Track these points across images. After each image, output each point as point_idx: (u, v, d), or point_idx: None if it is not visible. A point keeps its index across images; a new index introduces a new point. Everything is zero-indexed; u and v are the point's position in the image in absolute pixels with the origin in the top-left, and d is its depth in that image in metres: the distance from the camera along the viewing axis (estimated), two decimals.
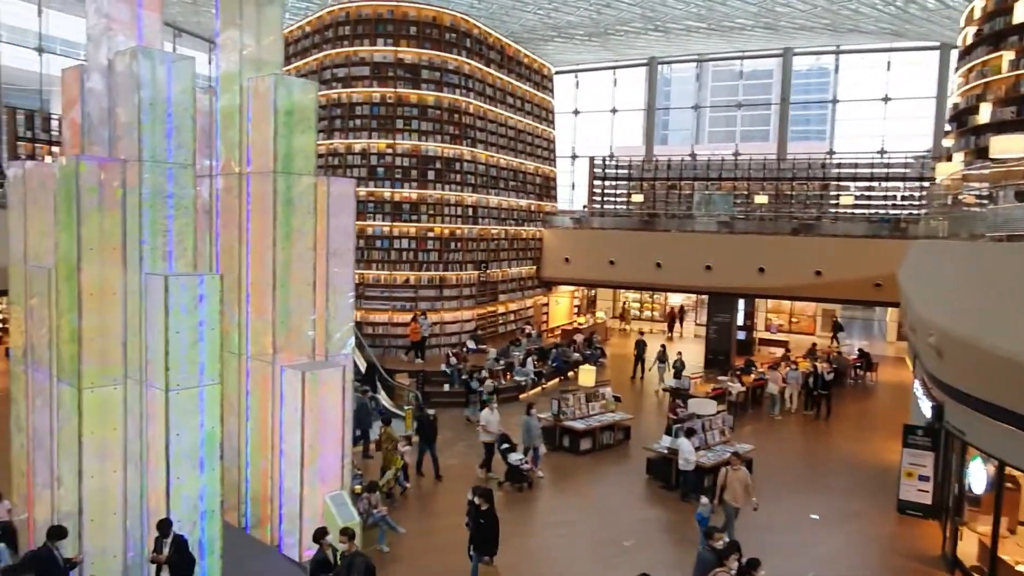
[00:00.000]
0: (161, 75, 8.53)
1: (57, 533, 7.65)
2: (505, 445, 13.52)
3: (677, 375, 20.29)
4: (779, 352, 25.39)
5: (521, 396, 19.41)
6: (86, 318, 8.22)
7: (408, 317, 21.39)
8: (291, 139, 9.83)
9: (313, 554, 8.47)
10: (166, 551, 7.57)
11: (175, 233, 8.82)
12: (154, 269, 8.56)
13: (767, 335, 29.88)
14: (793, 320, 31.56)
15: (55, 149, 22.24)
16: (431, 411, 14.06)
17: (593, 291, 34.37)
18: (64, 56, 26.52)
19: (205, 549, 8.44)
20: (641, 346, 22.96)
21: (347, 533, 8.23)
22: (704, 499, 10.41)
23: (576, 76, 36.74)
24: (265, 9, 10.41)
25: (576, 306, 33.19)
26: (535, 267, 28.03)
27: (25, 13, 25.97)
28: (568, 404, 15.99)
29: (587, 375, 19.04)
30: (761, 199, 27.90)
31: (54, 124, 23.52)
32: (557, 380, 22.05)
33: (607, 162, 31.76)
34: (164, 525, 7.65)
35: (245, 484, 10.26)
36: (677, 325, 32.58)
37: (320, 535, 8.38)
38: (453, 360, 19.54)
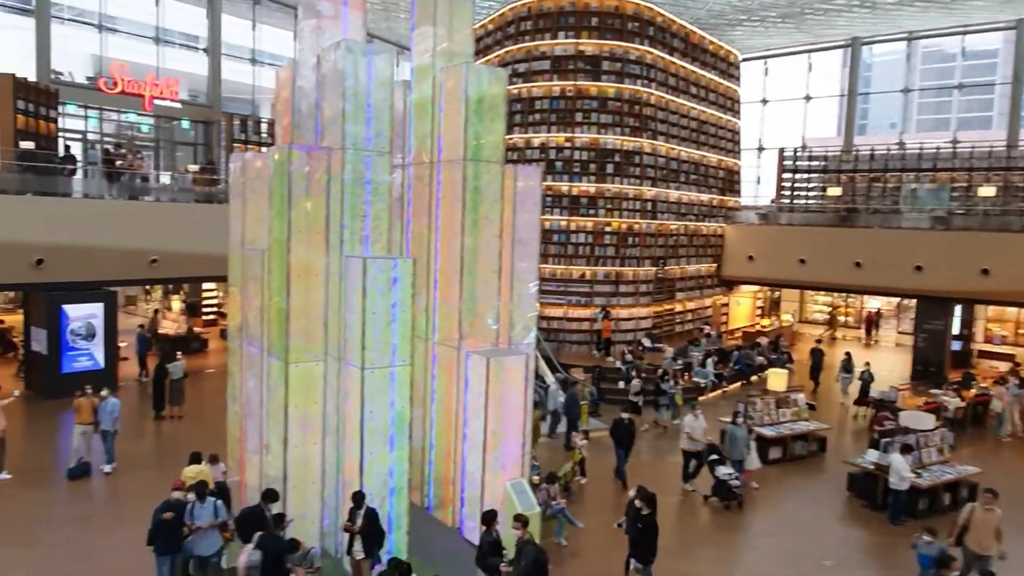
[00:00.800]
0: (363, 68, 8.91)
1: (270, 496, 8.21)
2: (714, 456, 12.45)
3: (865, 389, 18.23)
4: (1004, 366, 22.13)
5: (700, 398, 18.47)
6: (293, 297, 8.76)
7: (584, 312, 21.18)
8: (481, 127, 9.90)
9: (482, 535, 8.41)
10: (359, 522, 7.85)
11: (372, 218, 9.18)
12: (352, 252, 8.96)
13: (988, 347, 26.19)
14: (1020, 331, 27.42)
15: (263, 150, 24.55)
16: (625, 415, 13.23)
17: (776, 292, 32.13)
18: (272, 66, 29.25)
19: (392, 524, 8.70)
20: (818, 355, 20.92)
21: (521, 520, 8.08)
22: (927, 536, 9.00)
23: (765, 63, 34.51)
24: (457, 5, 10.59)
25: (759, 308, 31.20)
26: (715, 265, 26.65)
27: (241, 31, 28.98)
28: (756, 408, 14.88)
29: (777, 379, 17.68)
30: (987, 191, 24.46)
31: (263, 127, 26.02)
32: (738, 384, 20.76)
33: (798, 153, 29.48)
34: (358, 497, 7.93)
35: (429, 466, 10.51)
36: (873, 331, 29.55)
37: (489, 518, 8.29)
38: (629, 357, 19.02)
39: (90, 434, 12.69)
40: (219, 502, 8.52)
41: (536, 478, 10.70)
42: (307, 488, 8.98)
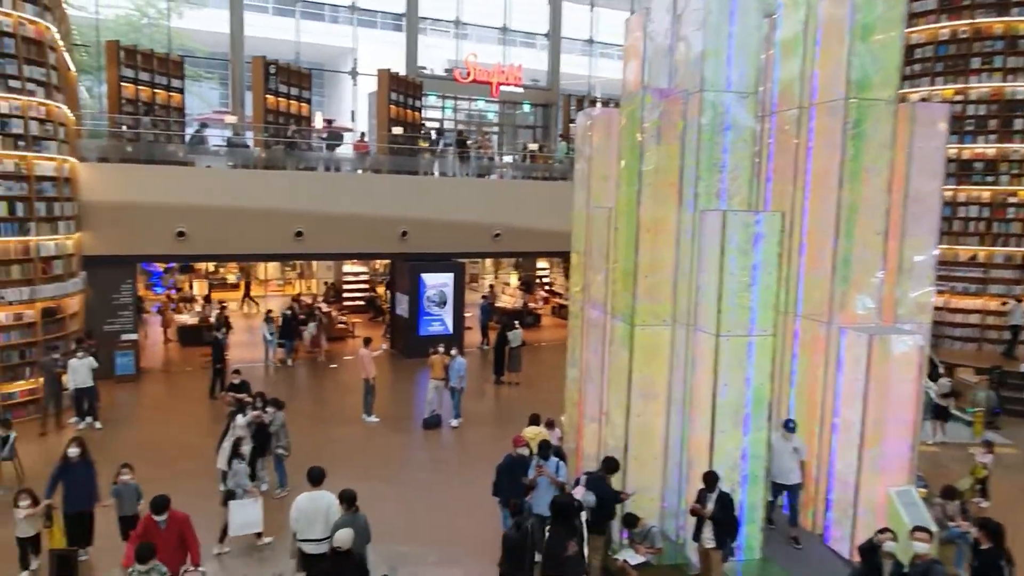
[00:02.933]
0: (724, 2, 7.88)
1: (611, 465, 7.70)
2: None
3: None
4: None
5: None
6: (641, 255, 8.10)
7: (971, 303, 17.32)
8: (868, 60, 8.13)
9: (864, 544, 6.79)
10: (710, 506, 6.91)
11: (729, 169, 8.11)
12: (707, 207, 8.00)
13: None
14: None
15: None
16: None
17: None
18: (604, 55, 29.70)
19: (744, 516, 7.60)
20: None
21: (925, 533, 6.30)
22: None
23: None
24: None
25: None
26: None
27: (578, 16, 29.95)
28: None
29: None
30: None
31: (599, 107, 26.32)
32: None
33: None
34: (711, 478, 7.00)
35: None
36: None
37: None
38: None
39: (441, 388, 13.74)
40: (561, 462, 8.26)
41: (923, 490, 8.62)
42: (649, 461, 8.30)
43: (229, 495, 8.52)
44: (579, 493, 7.45)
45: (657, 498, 8.37)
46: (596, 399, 9.08)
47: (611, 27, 30.39)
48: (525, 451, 8.57)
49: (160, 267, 23.82)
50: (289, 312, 18.72)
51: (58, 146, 13.69)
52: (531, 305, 25.42)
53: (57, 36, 14.14)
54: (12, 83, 12.79)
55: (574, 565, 6.43)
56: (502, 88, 27.60)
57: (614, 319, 8.58)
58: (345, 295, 25.34)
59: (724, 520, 6.86)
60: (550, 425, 10.15)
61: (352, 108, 26.79)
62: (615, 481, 7.75)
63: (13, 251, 12.96)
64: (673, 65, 8.56)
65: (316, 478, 7.15)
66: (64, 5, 16.44)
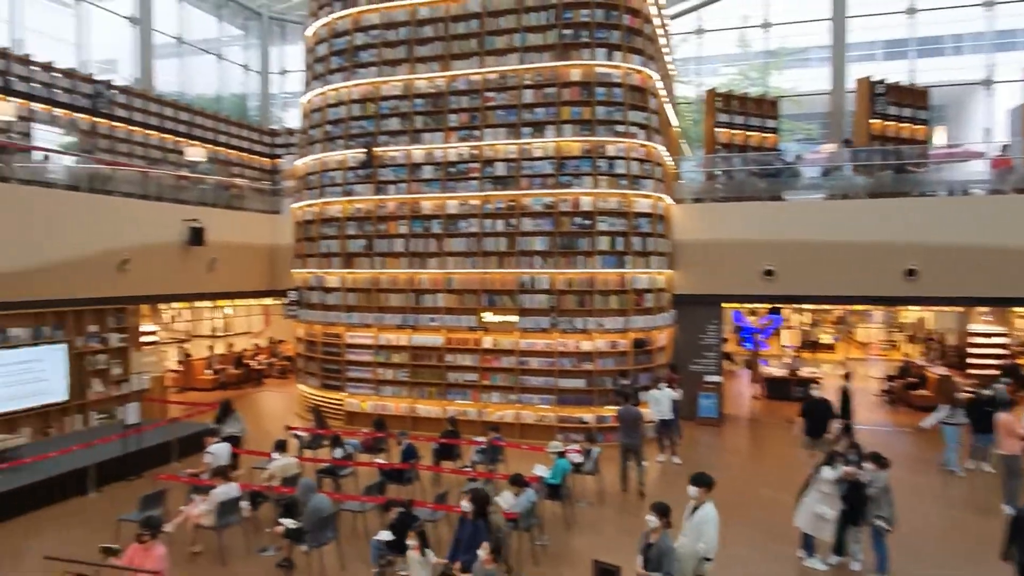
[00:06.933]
0: None
1: None
2: None
3: None
4: None
5: None
6: None
7: None
8: None
9: None
10: None
11: None
12: None
13: None
14: None
15: None
16: None
17: None
18: None
19: None
20: None
21: None
22: None
23: None
24: None
25: None
26: None
27: None
28: None
29: None
30: None
31: None
32: None
33: None
34: None
35: None
36: None
37: None
38: None
39: None
40: None
41: None
42: None
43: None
44: None
45: None
46: None
47: None
48: None
49: (751, 320, 23.17)
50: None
51: (654, 184, 14.16)
52: None
53: (659, 86, 14.91)
54: (618, 128, 13.80)
55: None
56: None
57: None
58: (969, 359, 19.91)
59: None
60: None
61: (986, 126, 21.84)
62: None
63: (612, 283, 13.73)
64: None
65: None
66: (670, 75, 17.49)
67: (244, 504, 8.75)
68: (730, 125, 17.56)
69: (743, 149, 17.42)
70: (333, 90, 15.18)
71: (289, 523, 7.81)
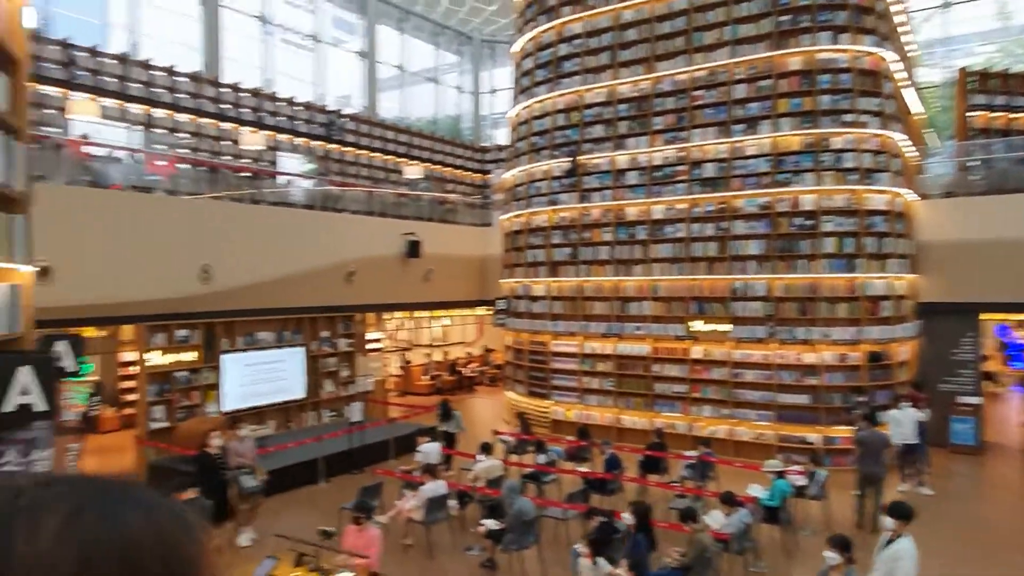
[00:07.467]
0: None
1: None
2: None
3: None
4: None
5: None
6: None
7: None
8: None
9: None
10: None
11: None
12: None
13: None
14: None
15: None
16: None
17: None
18: None
19: None
20: None
21: None
22: None
23: None
24: None
25: None
26: None
27: None
28: None
29: None
30: None
31: None
32: None
33: None
34: None
35: None
36: None
37: None
38: None
39: None
40: None
41: None
42: None
43: None
44: None
45: None
46: None
47: None
48: None
49: (1020, 335, 19.66)
50: None
51: (891, 178, 12.51)
52: None
53: (895, 69, 13.20)
54: (846, 117, 12.40)
55: None
56: None
57: None
58: None
59: None
60: None
61: None
62: None
63: (840, 289, 12.30)
64: None
65: None
66: (910, 57, 15.43)
67: (452, 503, 8.95)
68: (988, 107, 15.16)
69: (1005, 134, 14.89)
70: (538, 102, 15.40)
71: (492, 524, 7.81)
